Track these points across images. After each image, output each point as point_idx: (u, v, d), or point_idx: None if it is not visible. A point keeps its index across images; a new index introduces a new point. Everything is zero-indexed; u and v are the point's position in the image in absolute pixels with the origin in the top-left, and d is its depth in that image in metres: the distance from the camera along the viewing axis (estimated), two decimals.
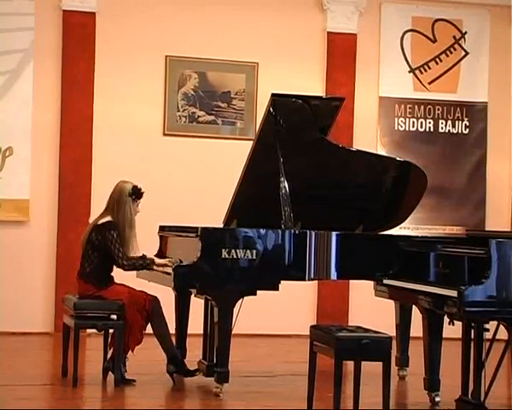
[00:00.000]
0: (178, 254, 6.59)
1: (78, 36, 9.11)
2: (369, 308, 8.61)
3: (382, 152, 9.51)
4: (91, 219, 7.26)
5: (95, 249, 6.44)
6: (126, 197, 6.47)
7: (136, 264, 6.43)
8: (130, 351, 6.42)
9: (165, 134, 9.39)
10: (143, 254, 6.50)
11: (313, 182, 6.84)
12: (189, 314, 6.95)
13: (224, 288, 6.09)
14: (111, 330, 6.48)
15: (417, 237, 7.24)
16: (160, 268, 6.42)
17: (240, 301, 6.14)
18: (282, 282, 6.22)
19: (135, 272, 6.88)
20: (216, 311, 6.10)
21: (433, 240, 6.65)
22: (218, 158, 9.38)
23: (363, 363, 5.34)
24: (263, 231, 6.19)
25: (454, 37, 9.98)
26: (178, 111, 9.41)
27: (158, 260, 6.51)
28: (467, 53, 9.98)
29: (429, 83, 9.93)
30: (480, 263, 5.39)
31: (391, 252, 6.50)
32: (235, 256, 6.09)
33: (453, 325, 5.68)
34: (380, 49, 9.84)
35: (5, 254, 8.92)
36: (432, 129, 9.94)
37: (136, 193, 6.50)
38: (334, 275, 6.42)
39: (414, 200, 7.07)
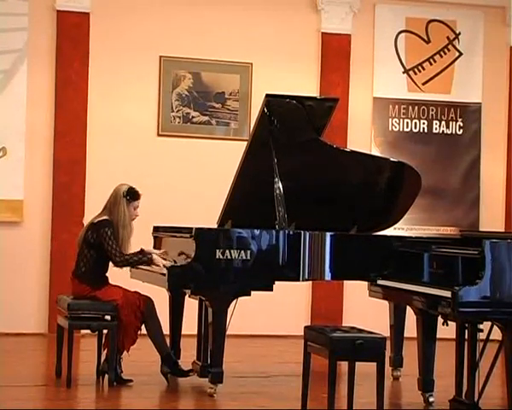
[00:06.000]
0: (172, 254, 6.59)
1: (71, 36, 9.09)
2: (363, 309, 8.60)
3: (376, 153, 9.51)
4: (85, 220, 7.25)
5: (90, 248, 6.44)
6: (121, 198, 6.46)
7: (130, 260, 6.41)
8: (125, 351, 6.42)
9: (159, 135, 9.38)
10: (141, 249, 6.49)
11: (307, 182, 6.83)
12: (183, 315, 6.95)
13: (219, 288, 6.08)
14: (105, 331, 6.47)
15: (411, 237, 7.23)
16: (156, 268, 6.38)
17: (234, 301, 6.15)
18: (277, 282, 6.23)
19: (129, 274, 6.88)
20: (210, 311, 6.10)
21: (427, 240, 6.65)
22: (212, 158, 9.37)
23: (357, 363, 5.35)
24: (257, 232, 6.19)
25: (448, 37, 9.99)
26: (172, 111, 9.40)
27: (156, 258, 6.41)
28: (461, 54, 10.00)
29: (423, 83, 9.93)
30: (473, 264, 5.39)
31: (385, 253, 6.51)
32: (229, 257, 6.09)
33: (447, 325, 5.69)
34: (374, 49, 9.85)
35: None
36: (426, 129, 9.95)
37: (131, 194, 6.48)
38: (328, 275, 6.42)
39: (408, 200, 7.07)
